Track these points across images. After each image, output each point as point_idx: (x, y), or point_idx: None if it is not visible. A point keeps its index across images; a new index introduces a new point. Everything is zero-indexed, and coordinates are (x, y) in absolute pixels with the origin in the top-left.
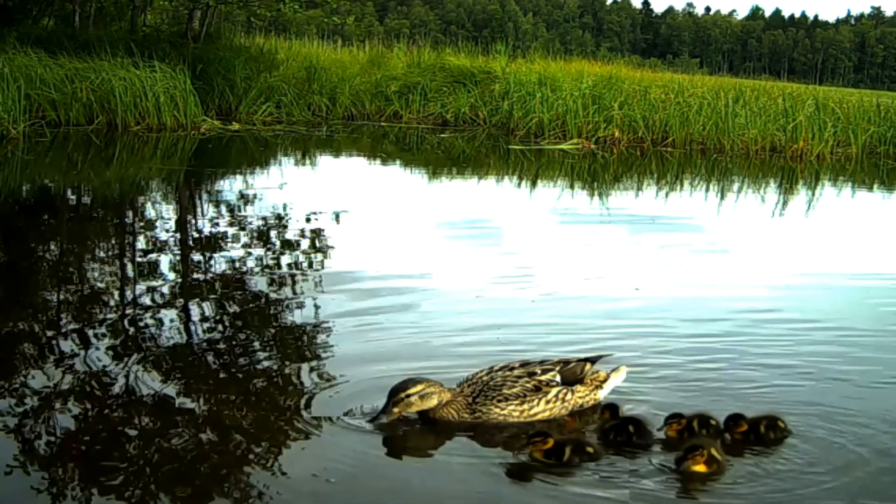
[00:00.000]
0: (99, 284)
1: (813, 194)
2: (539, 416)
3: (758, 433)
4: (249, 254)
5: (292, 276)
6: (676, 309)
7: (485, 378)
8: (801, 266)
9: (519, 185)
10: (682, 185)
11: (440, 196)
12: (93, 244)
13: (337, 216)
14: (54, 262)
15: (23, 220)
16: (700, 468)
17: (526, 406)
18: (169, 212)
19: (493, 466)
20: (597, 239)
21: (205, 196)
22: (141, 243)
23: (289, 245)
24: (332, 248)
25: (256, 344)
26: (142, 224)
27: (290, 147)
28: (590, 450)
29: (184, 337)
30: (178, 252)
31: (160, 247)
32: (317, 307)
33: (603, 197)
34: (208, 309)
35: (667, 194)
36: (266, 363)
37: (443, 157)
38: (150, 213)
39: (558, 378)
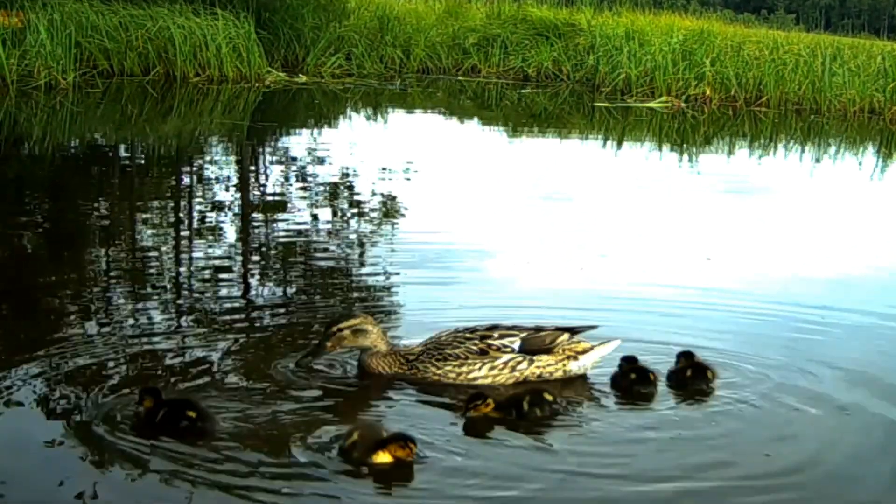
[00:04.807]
0: (151, 246)
1: None
2: (479, 382)
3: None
4: (314, 215)
5: (359, 237)
6: (740, 283)
7: (443, 338)
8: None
9: (604, 145)
10: (775, 148)
11: (519, 155)
12: (146, 203)
13: (408, 175)
14: (104, 222)
15: (71, 177)
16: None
17: (465, 369)
18: (229, 169)
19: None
20: (679, 204)
21: (268, 153)
22: (198, 203)
23: (356, 205)
24: (401, 209)
25: (319, 307)
26: (200, 182)
27: (360, 101)
28: (548, 397)
29: (242, 300)
30: (238, 212)
31: (219, 207)
32: (382, 271)
33: (692, 159)
34: (268, 271)
35: (759, 157)
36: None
37: (523, 115)
38: (210, 170)
39: (516, 345)
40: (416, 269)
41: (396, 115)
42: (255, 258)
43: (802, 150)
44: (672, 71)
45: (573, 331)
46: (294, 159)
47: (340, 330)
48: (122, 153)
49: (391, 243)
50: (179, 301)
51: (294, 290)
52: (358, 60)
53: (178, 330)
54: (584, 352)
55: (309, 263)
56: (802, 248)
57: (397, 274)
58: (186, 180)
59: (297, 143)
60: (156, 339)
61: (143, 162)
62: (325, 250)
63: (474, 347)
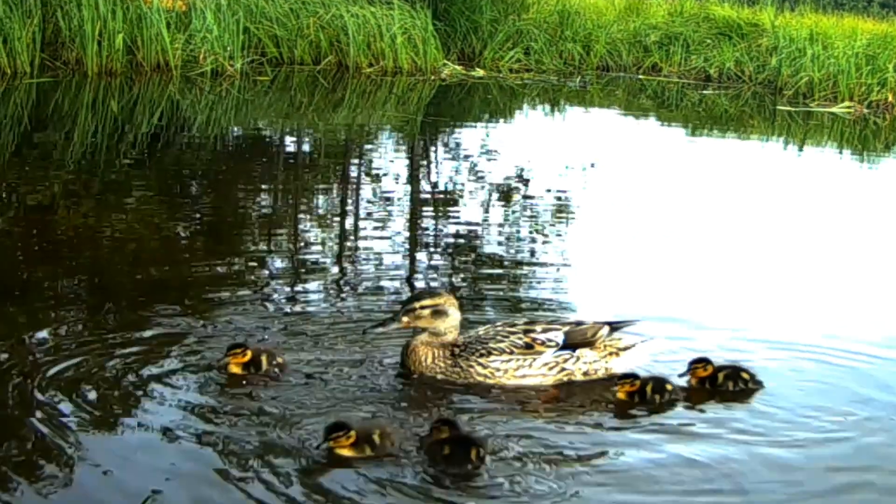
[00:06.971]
0: (314, 238)
1: None
2: (528, 380)
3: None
4: (483, 212)
5: (530, 235)
6: None
7: (481, 332)
8: None
9: (784, 149)
10: None
11: (697, 158)
12: (311, 195)
13: (584, 175)
14: (266, 212)
15: (234, 166)
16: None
17: (513, 365)
18: (399, 164)
19: None
20: (852, 218)
21: (441, 148)
22: (365, 198)
23: (528, 203)
24: (575, 209)
25: (486, 307)
26: (368, 176)
27: (537, 98)
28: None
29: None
30: (407, 207)
31: (386, 201)
32: (551, 273)
33: (872, 166)
34: (434, 267)
35: None
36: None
37: (703, 116)
38: (378, 164)
39: (560, 338)
40: (586, 273)
41: (574, 113)
42: (422, 253)
43: None
44: (855, 75)
45: (612, 325)
46: (467, 156)
47: (423, 308)
48: (289, 143)
49: (562, 244)
50: (341, 297)
51: (459, 287)
52: (537, 55)
53: (339, 332)
54: (626, 349)
55: (475, 262)
56: None
57: (564, 278)
58: (354, 173)
59: (471, 138)
60: (313, 341)
61: (310, 153)
62: (494, 249)
63: (519, 341)
